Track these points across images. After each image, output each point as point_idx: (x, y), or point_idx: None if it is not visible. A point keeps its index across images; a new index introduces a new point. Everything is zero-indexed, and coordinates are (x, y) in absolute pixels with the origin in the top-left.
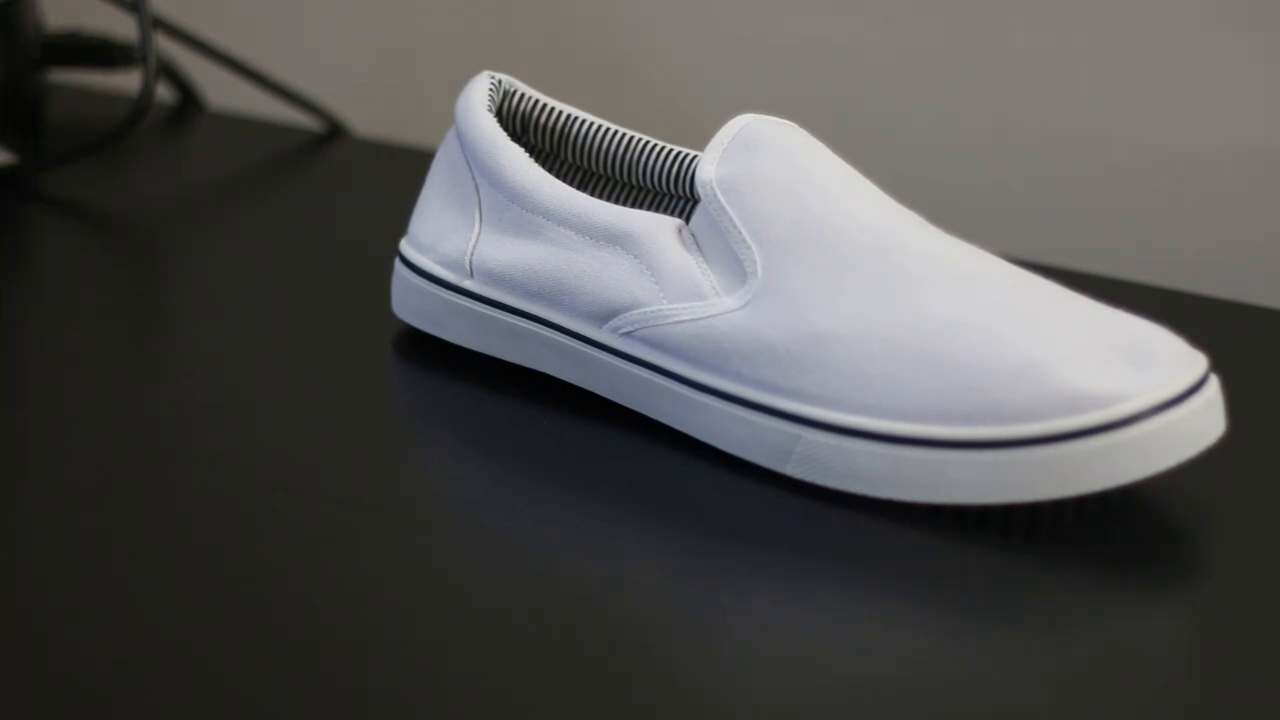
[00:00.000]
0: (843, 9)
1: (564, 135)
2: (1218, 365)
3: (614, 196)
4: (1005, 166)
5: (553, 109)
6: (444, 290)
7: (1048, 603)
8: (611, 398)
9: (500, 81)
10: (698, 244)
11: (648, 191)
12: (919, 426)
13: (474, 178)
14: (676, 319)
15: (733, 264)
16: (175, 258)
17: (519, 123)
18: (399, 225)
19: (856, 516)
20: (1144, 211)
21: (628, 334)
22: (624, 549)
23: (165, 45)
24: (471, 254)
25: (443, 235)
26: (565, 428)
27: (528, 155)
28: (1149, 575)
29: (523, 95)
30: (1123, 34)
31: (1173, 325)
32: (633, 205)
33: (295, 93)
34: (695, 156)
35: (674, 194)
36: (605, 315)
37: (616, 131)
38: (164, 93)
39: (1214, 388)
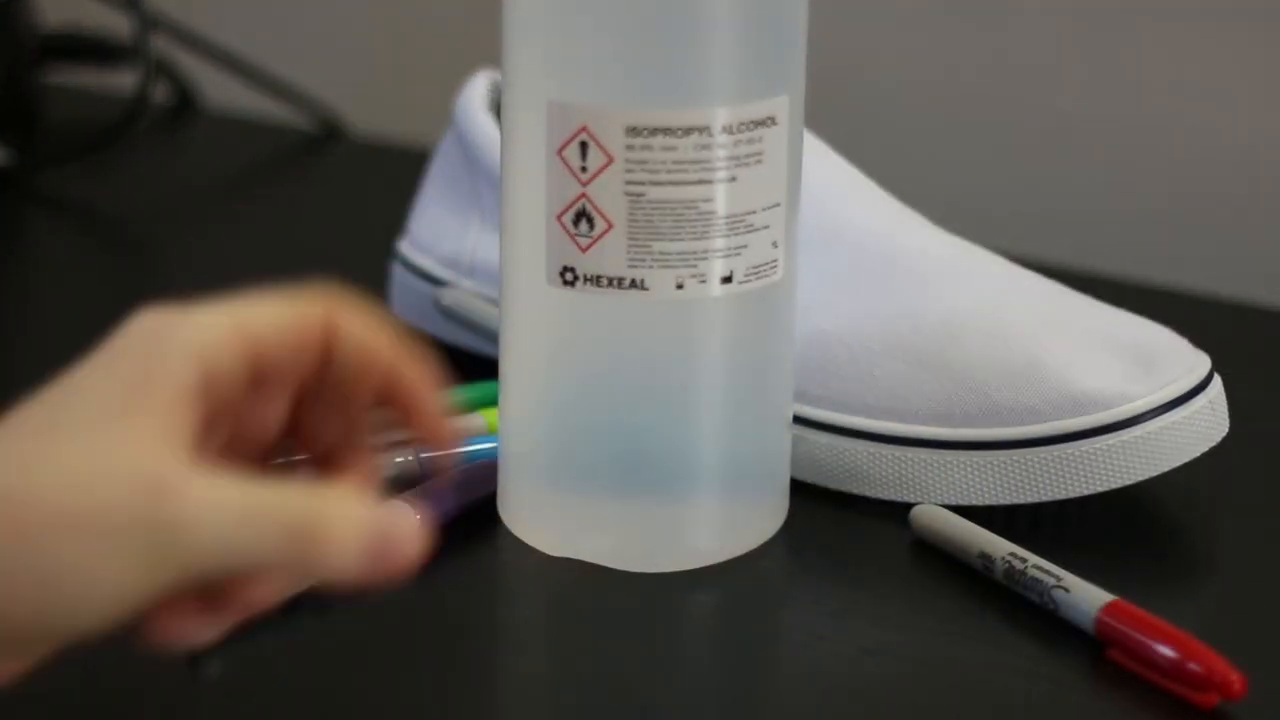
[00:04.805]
0: (844, 9)
1: None
2: (1220, 366)
3: None
4: (1007, 166)
5: None
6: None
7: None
8: None
9: (500, 81)
10: None
11: None
12: (920, 427)
13: (473, 177)
14: None
15: None
16: (173, 257)
17: None
18: (398, 225)
19: (857, 516)
20: (1145, 211)
21: None
22: None
23: (162, 44)
24: (471, 254)
25: (442, 235)
26: None
27: None
28: (1151, 576)
29: None
30: (1123, 34)
31: (1175, 326)
32: None
33: (293, 91)
34: None
35: None
36: None
37: None
38: (161, 92)
39: (1217, 388)
